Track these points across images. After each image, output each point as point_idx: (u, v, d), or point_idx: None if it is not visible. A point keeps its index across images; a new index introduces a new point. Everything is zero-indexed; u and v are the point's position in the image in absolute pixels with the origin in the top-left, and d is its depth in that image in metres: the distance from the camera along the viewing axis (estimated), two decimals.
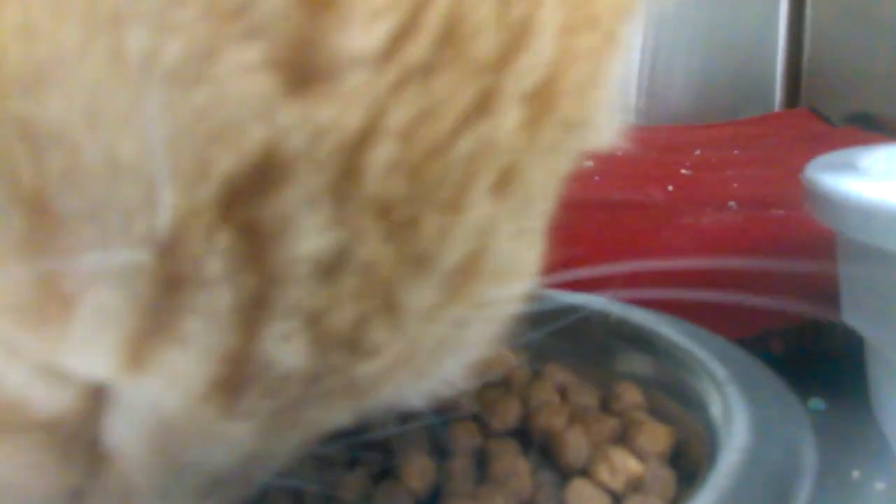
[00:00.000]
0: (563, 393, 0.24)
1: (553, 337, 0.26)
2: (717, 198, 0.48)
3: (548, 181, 0.14)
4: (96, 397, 0.13)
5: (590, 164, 0.59)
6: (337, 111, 0.11)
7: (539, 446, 0.21)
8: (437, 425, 0.22)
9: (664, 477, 0.19)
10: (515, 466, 0.20)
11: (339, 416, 0.14)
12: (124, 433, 0.14)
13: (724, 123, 0.80)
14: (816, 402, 0.31)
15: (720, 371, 0.21)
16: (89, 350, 0.12)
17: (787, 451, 0.17)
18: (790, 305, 0.35)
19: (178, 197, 0.10)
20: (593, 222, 0.42)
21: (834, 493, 0.25)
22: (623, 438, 0.21)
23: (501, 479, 0.19)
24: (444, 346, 0.14)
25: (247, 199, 0.11)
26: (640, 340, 0.24)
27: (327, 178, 0.11)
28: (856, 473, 0.26)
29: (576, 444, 0.20)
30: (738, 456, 0.17)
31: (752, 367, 0.21)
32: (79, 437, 0.14)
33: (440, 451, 0.21)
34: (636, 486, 0.19)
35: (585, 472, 0.19)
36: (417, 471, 0.19)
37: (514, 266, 0.14)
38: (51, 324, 0.11)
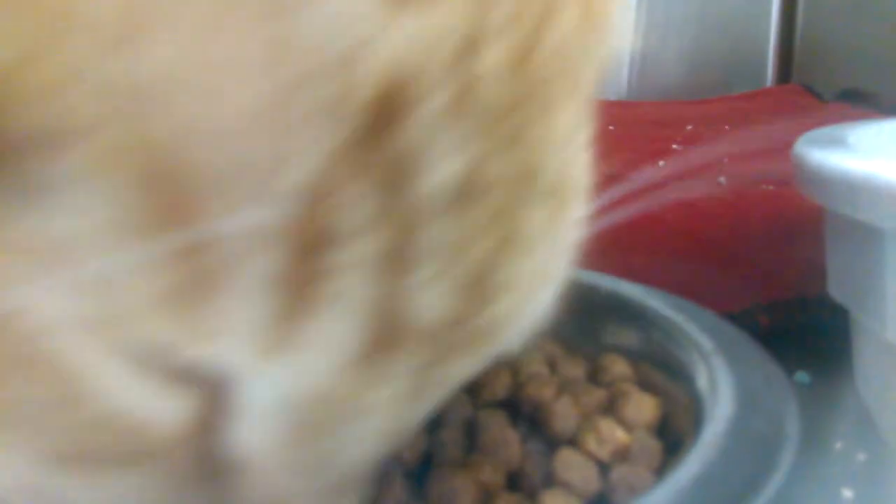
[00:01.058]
0: (551, 365, 0.24)
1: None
2: (707, 173, 0.48)
3: (591, 86, 0.14)
4: (218, 406, 0.12)
5: None
6: (444, 16, 0.10)
7: (528, 417, 0.21)
8: None
9: (651, 447, 0.19)
10: (505, 436, 0.20)
11: (471, 367, 0.14)
12: (253, 438, 0.13)
13: (715, 99, 0.80)
14: (801, 376, 0.31)
15: (707, 343, 0.21)
16: (232, 332, 0.11)
17: (771, 421, 0.17)
18: (777, 280, 0.36)
19: (315, 142, 0.10)
20: None
21: (817, 463, 0.25)
22: (610, 409, 0.21)
23: (491, 448, 0.20)
24: (548, 275, 0.14)
25: (381, 134, 0.10)
26: (629, 313, 0.24)
27: (447, 93, 0.10)
28: (838, 445, 0.26)
29: (564, 415, 0.20)
30: (723, 426, 0.17)
31: (738, 340, 0.21)
32: (201, 456, 0.13)
33: (431, 423, 0.21)
34: (623, 455, 0.19)
35: (573, 442, 0.20)
36: (408, 441, 0.20)
37: (583, 183, 0.14)
38: (192, 307, 0.11)
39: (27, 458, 0.12)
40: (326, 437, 0.13)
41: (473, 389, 0.22)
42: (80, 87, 0.09)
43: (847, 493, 0.24)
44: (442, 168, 0.11)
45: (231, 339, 0.11)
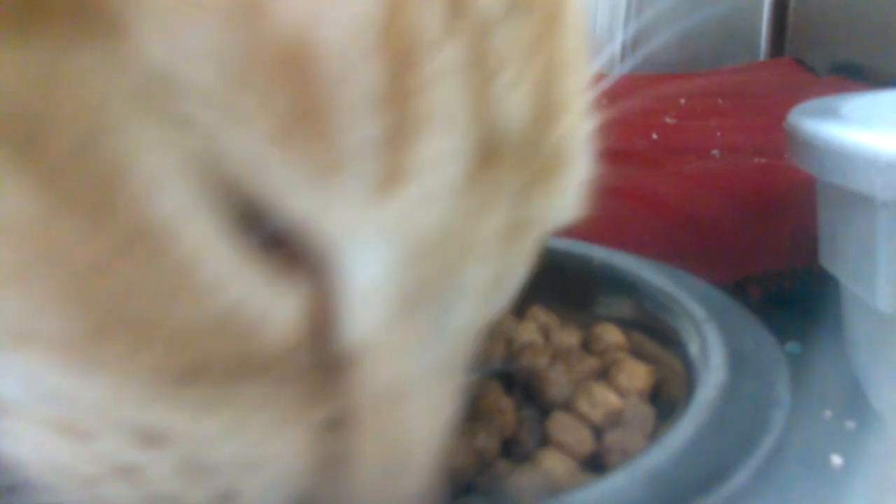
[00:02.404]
0: (545, 334, 0.24)
1: (536, 281, 0.27)
2: (700, 146, 0.48)
3: None
4: (329, 294, 0.12)
5: None
6: None
7: (522, 385, 0.22)
8: None
9: (644, 412, 0.20)
10: (500, 403, 0.20)
11: (547, 207, 0.14)
12: (366, 319, 0.12)
13: (708, 72, 0.80)
14: (792, 346, 0.32)
15: (699, 311, 0.21)
16: (344, 165, 0.11)
17: (763, 386, 0.17)
18: (769, 252, 0.36)
19: None
20: None
21: (807, 431, 0.26)
22: (604, 377, 0.21)
23: (486, 415, 0.20)
24: (582, 100, 0.14)
25: None
26: (622, 283, 0.25)
27: None
28: (828, 413, 0.27)
29: (558, 381, 0.20)
30: (716, 391, 0.17)
31: (730, 308, 0.22)
32: (318, 360, 0.12)
33: None
34: (616, 420, 0.19)
35: (567, 408, 0.20)
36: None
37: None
38: (305, 140, 0.10)
39: (142, 378, 0.11)
40: (439, 288, 0.12)
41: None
42: None
43: (836, 460, 0.24)
44: None
45: (340, 178, 0.11)
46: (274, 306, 0.12)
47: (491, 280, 0.13)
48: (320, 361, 0.12)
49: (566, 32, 0.13)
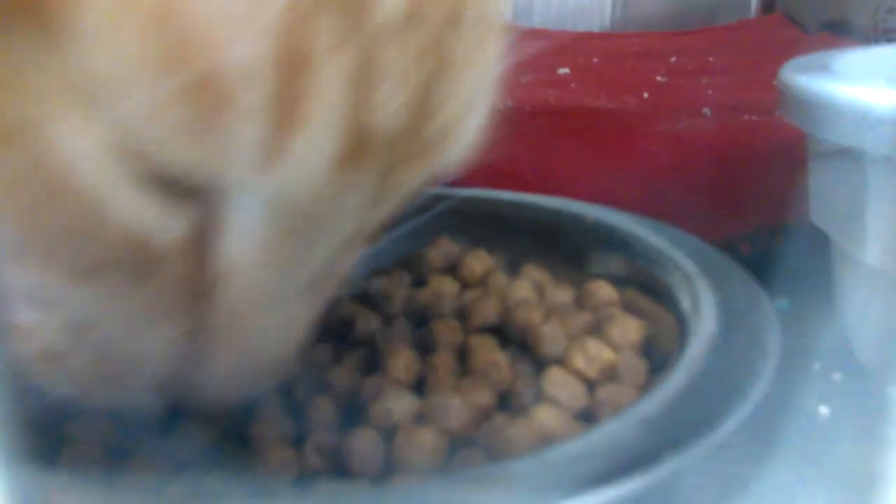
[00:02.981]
0: (539, 291, 0.24)
1: (530, 239, 0.27)
2: (691, 104, 0.48)
3: None
4: (213, 219, 0.15)
5: (566, 71, 0.58)
6: None
7: (517, 341, 0.22)
8: (418, 325, 0.23)
9: (636, 366, 0.20)
10: (495, 358, 0.20)
11: (419, 180, 0.16)
12: (242, 243, 0.15)
13: (699, 30, 0.79)
14: (782, 302, 0.32)
15: (691, 267, 0.22)
16: (235, 150, 0.13)
17: (753, 337, 0.18)
18: (759, 209, 0.36)
19: None
20: (570, 130, 0.42)
21: (795, 382, 0.26)
22: (597, 331, 0.21)
23: (482, 371, 0.20)
24: (475, 100, 0.16)
25: None
26: (614, 240, 0.25)
27: None
28: (816, 365, 0.27)
29: (552, 336, 0.21)
30: (707, 342, 0.18)
31: (721, 263, 0.22)
32: (198, 268, 0.15)
33: (423, 347, 0.22)
34: (610, 374, 0.20)
35: (561, 362, 0.20)
36: (403, 364, 0.20)
37: (500, 21, 0.17)
38: (205, 130, 0.13)
39: (59, 271, 0.15)
40: (303, 236, 0.15)
41: (463, 316, 0.23)
42: None
43: (823, 410, 0.25)
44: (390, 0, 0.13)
45: (233, 155, 0.13)
46: (162, 225, 0.15)
47: (354, 231, 0.16)
48: (197, 280, 0.16)
49: (464, 34, 0.15)
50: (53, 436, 0.19)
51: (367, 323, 0.22)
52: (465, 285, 0.25)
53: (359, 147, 0.14)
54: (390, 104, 0.14)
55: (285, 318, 0.17)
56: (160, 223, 0.15)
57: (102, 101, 0.13)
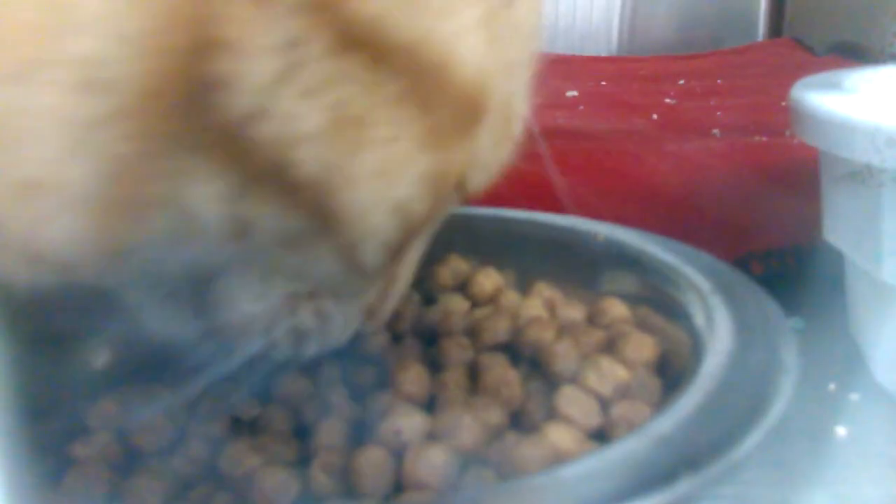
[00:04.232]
0: (551, 309, 0.24)
1: (542, 257, 0.27)
2: (701, 126, 0.48)
3: None
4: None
5: (575, 94, 0.58)
6: None
7: (529, 359, 0.22)
8: (429, 343, 0.23)
9: (650, 384, 0.20)
10: (506, 376, 0.20)
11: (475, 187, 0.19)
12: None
13: (707, 53, 0.80)
14: (796, 322, 0.32)
15: (704, 284, 0.21)
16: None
17: (769, 353, 0.17)
18: (771, 229, 0.36)
19: None
20: (580, 151, 0.42)
21: (811, 403, 0.26)
22: (610, 349, 0.21)
23: (493, 388, 0.20)
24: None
25: None
26: (627, 258, 0.25)
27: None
28: (832, 386, 0.27)
29: (565, 355, 0.20)
30: (723, 359, 0.17)
31: (735, 280, 0.22)
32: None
33: (433, 365, 0.21)
34: (624, 392, 0.19)
35: (575, 381, 0.20)
36: (413, 382, 0.20)
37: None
38: None
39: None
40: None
41: (474, 334, 0.23)
42: None
43: (840, 431, 0.24)
44: None
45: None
46: None
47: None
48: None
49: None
50: (59, 457, 0.19)
51: (377, 340, 0.22)
52: (476, 303, 0.25)
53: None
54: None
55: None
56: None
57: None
